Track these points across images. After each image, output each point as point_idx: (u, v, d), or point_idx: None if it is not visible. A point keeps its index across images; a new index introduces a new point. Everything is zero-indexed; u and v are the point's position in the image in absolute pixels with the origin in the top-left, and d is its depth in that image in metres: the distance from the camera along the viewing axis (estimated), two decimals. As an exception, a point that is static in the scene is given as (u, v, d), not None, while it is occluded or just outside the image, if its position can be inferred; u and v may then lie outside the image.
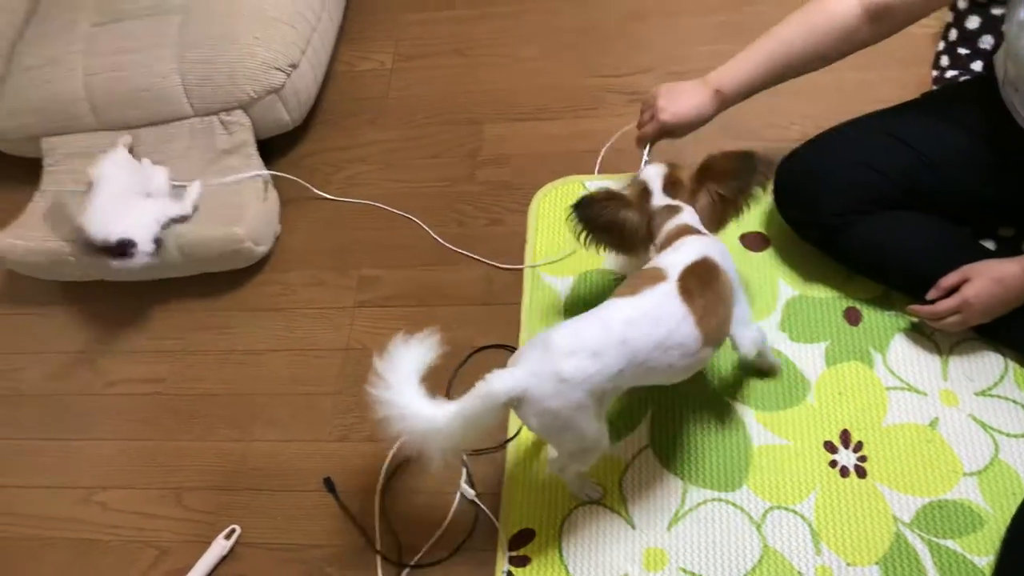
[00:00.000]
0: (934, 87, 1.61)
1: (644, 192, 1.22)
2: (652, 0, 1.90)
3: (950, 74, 1.60)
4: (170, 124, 1.73)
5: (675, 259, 1.11)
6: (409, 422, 1.00)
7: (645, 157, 1.40)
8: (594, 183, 1.66)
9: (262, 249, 1.66)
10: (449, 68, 1.91)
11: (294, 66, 1.71)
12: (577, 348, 1.02)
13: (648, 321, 1.05)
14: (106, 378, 1.66)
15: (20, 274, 1.75)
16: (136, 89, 1.71)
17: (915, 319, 1.36)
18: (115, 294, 1.73)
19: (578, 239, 1.24)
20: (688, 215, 1.19)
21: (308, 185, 1.77)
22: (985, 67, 1.52)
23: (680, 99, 1.34)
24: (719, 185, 1.19)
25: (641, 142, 1.40)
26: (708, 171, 1.20)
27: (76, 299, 1.77)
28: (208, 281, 1.70)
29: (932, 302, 1.28)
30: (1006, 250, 1.39)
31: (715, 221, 1.21)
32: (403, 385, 1.01)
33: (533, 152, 1.74)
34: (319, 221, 1.74)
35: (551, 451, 1.31)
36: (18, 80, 1.79)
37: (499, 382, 1.01)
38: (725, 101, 1.33)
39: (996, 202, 1.35)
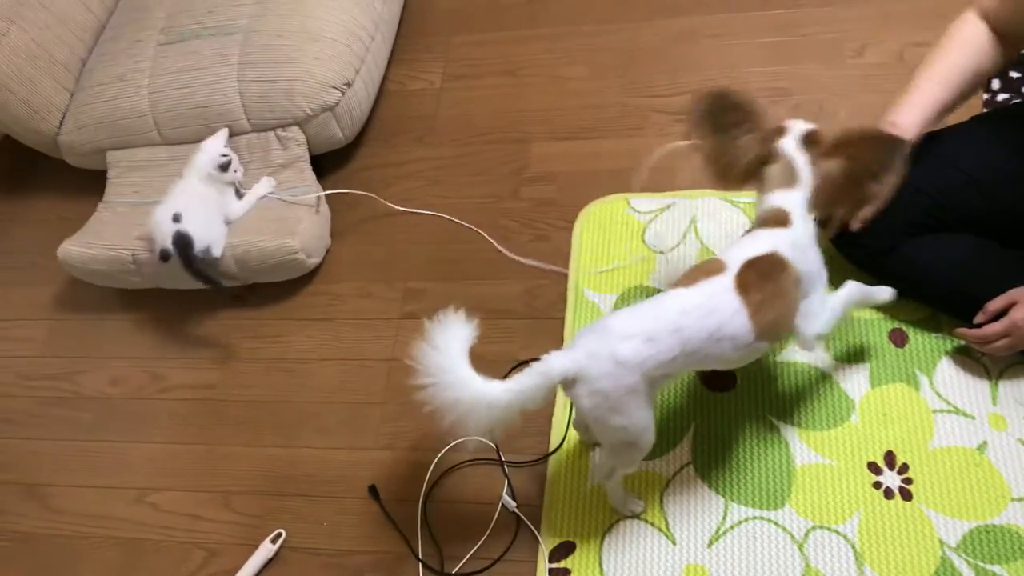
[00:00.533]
0: (984, 110, 1.60)
1: (779, 131, 1.17)
2: (700, 22, 1.93)
3: (1001, 97, 1.59)
4: (229, 139, 1.79)
5: (739, 253, 1.12)
6: (460, 392, 1.02)
7: None
8: (639, 201, 1.68)
9: (313, 261, 1.71)
10: (497, 88, 1.95)
11: (348, 85, 1.77)
12: (633, 333, 1.05)
13: (701, 312, 1.07)
14: (160, 383, 1.71)
15: (83, 282, 1.82)
16: (198, 106, 1.78)
17: (962, 342, 1.35)
18: (171, 303, 1.80)
19: (692, 124, 1.18)
20: (797, 197, 1.15)
21: (373, 196, 1.81)
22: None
23: None
24: (854, 161, 1.13)
25: None
26: (848, 143, 1.14)
27: (135, 307, 1.83)
28: (260, 290, 1.75)
29: (979, 325, 1.27)
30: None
31: (828, 199, 1.16)
32: (455, 355, 1.03)
33: (579, 170, 1.77)
34: (368, 234, 1.79)
35: (595, 459, 1.33)
36: (87, 96, 1.87)
37: (556, 361, 1.05)
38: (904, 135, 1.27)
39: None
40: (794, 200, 1.15)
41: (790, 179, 1.15)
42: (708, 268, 1.12)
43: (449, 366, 1.02)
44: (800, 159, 1.15)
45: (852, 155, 1.13)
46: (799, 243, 1.14)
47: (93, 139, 1.86)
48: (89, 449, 1.67)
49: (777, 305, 1.11)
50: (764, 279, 1.09)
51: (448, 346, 1.03)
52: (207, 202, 1.67)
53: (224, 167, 1.68)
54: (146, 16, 1.92)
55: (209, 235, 1.64)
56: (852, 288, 1.25)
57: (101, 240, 1.74)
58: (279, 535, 1.46)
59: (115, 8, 2.04)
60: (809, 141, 1.16)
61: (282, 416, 1.60)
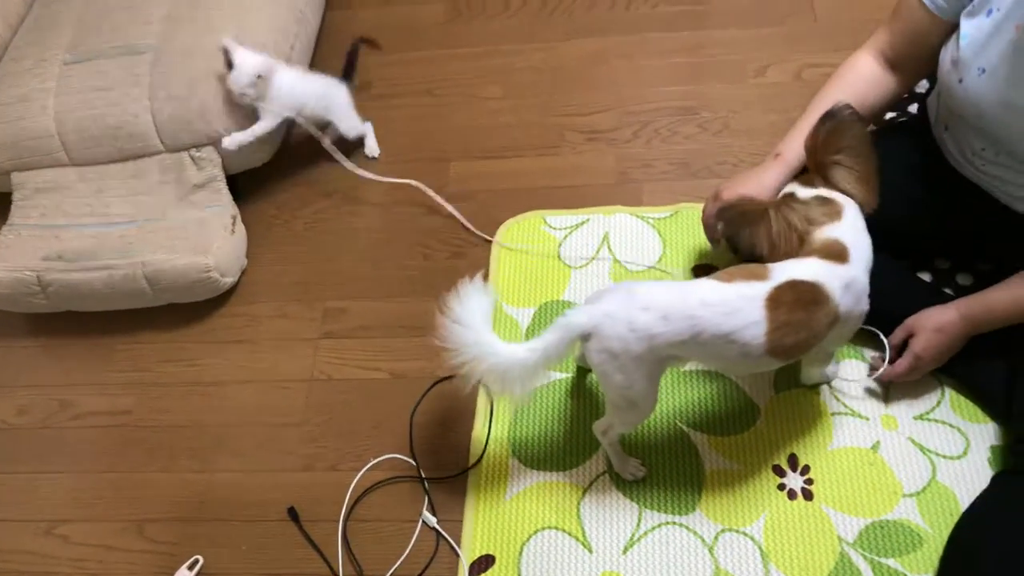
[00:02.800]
0: (873, 127, 1.69)
1: (789, 196, 1.22)
2: (612, 43, 1.99)
3: (888, 115, 1.69)
4: (140, 160, 1.76)
5: (788, 270, 1.12)
6: (493, 359, 1.11)
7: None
8: (554, 218, 1.72)
9: (228, 280, 1.69)
10: (416, 108, 1.97)
11: (263, 103, 1.76)
12: (652, 306, 1.09)
13: (721, 311, 1.09)
14: (70, 411, 1.67)
15: (-14, 308, 1.76)
16: (108, 126, 1.74)
17: (861, 350, 1.42)
18: (82, 327, 1.75)
19: (726, 247, 1.26)
20: (846, 221, 1.16)
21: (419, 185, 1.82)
22: (920, 109, 1.61)
23: (739, 178, 1.37)
24: (836, 154, 1.19)
25: (709, 230, 1.41)
26: (823, 151, 1.20)
27: (43, 332, 1.78)
28: (174, 313, 1.72)
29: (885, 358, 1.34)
30: (942, 281, 1.47)
31: (866, 190, 1.20)
32: (480, 328, 1.11)
33: (496, 188, 1.80)
34: (284, 255, 1.78)
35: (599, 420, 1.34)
36: (-11, 116, 1.81)
37: (577, 316, 1.12)
38: (788, 164, 1.33)
39: (931, 235, 1.43)
40: (848, 226, 1.16)
41: (833, 212, 1.18)
42: (751, 272, 1.13)
43: (476, 339, 1.11)
44: (823, 191, 1.19)
45: (844, 151, 1.19)
46: (853, 285, 1.14)
47: (-5, 161, 1.80)
48: (-6, 482, 1.61)
49: (800, 333, 1.11)
50: (798, 304, 1.10)
51: (471, 320, 1.11)
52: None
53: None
54: (50, 35, 1.87)
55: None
56: None
57: (4, 262, 1.68)
58: (196, 561, 1.44)
59: (18, 28, 1.98)
60: (808, 181, 1.22)
61: (198, 440, 1.58)
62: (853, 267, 1.14)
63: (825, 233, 1.16)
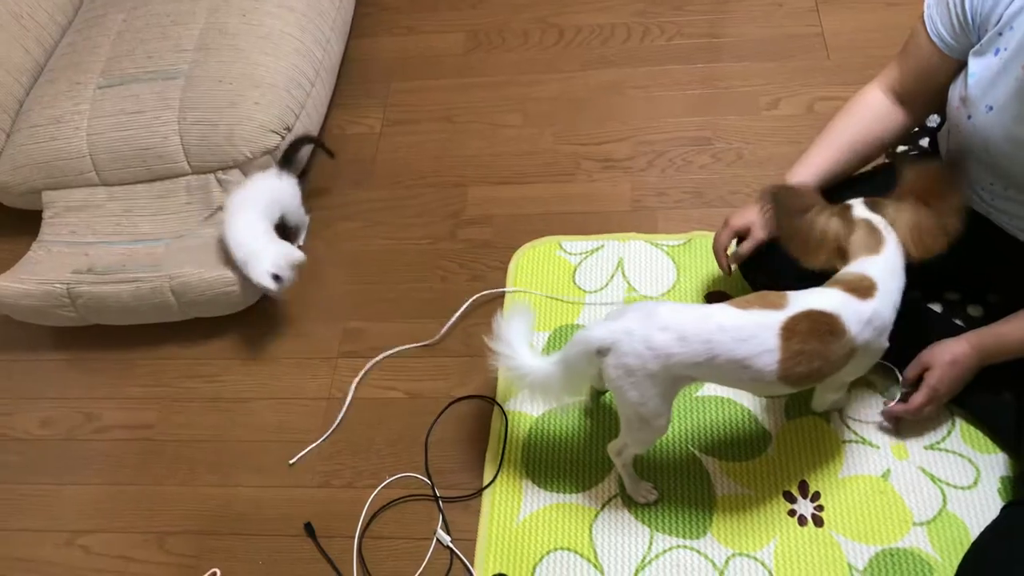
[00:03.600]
0: (887, 161, 1.73)
1: (846, 207, 1.21)
2: (627, 74, 2.04)
3: (900, 149, 1.72)
4: (168, 181, 1.82)
5: (806, 300, 1.13)
6: (526, 376, 1.24)
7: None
8: (571, 243, 1.75)
9: (251, 297, 1.73)
10: (435, 133, 2.02)
11: (288, 129, 1.81)
12: (671, 326, 1.12)
13: (737, 336, 1.11)
14: (94, 423, 1.70)
15: (15, 321, 1.80)
16: (137, 148, 1.80)
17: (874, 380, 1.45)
18: (108, 341, 1.79)
19: (772, 221, 1.23)
20: (883, 261, 1.15)
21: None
22: (931, 143, 1.64)
23: (750, 207, 1.42)
24: (926, 197, 1.16)
25: (721, 256, 1.45)
26: (911, 188, 1.18)
27: (68, 346, 1.82)
28: (197, 330, 1.76)
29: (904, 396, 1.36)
30: (953, 312, 1.49)
31: (921, 244, 1.17)
32: (519, 345, 1.25)
33: (513, 213, 1.84)
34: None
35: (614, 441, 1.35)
36: (23, 136, 1.87)
37: (597, 330, 1.16)
38: None
39: (942, 267, 1.45)
40: (880, 266, 1.15)
41: (874, 244, 1.16)
42: (769, 300, 1.15)
43: (512, 353, 1.25)
44: (878, 220, 1.18)
45: (921, 195, 1.16)
46: (874, 320, 1.14)
47: (28, 179, 1.85)
48: (17, 492, 1.64)
49: (813, 362, 1.12)
50: (812, 334, 1.11)
51: (511, 338, 1.25)
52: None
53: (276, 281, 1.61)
54: (86, 59, 1.94)
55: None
56: None
57: (34, 275, 1.73)
58: (214, 575, 1.46)
59: (54, 50, 2.05)
60: (874, 205, 1.19)
61: (218, 455, 1.61)
62: (877, 303, 1.13)
63: (858, 266, 1.16)
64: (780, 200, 1.21)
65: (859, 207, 1.20)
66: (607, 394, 1.51)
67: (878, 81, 1.39)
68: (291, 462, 1.56)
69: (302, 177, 1.90)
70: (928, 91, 1.34)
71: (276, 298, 1.71)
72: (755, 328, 1.12)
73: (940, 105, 1.34)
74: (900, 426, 1.42)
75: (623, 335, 1.13)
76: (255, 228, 1.66)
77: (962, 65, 1.25)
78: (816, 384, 1.25)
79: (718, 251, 1.45)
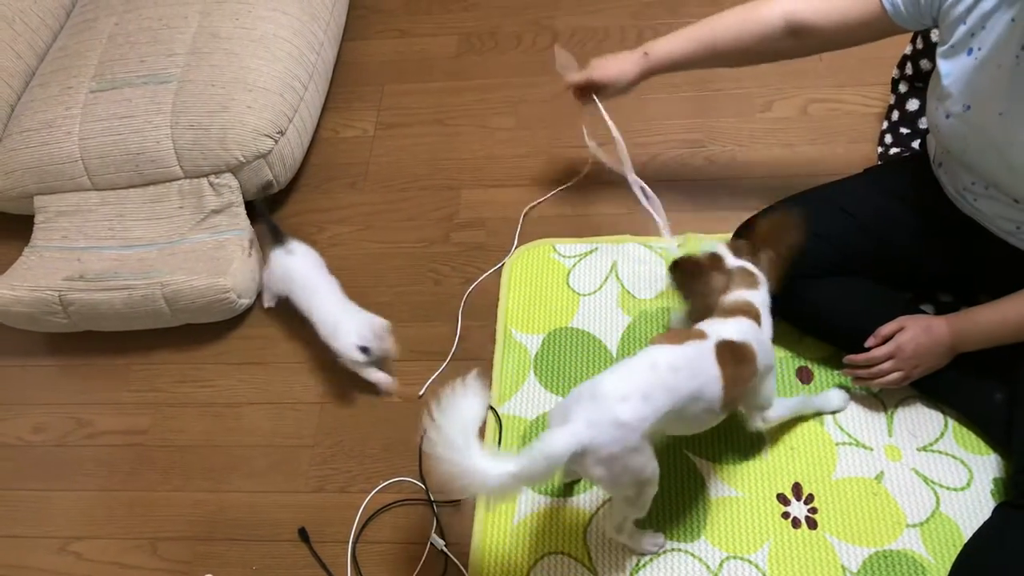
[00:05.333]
0: (878, 162, 1.73)
1: (717, 259, 1.30)
2: (620, 77, 2.03)
3: (893, 151, 1.72)
4: (160, 185, 1.81)
5: (720, 329, 1.19)
6: (466, 478, 1.00)
7: (587, 139, 1.60)
8: (564, 246, 1.75)
9: (244, 302, 1.73)
10: (428, 136, 2.02)
11: (281, 133, 1.81)
12: (628, 393, 1.07)
13: (689, 371, 1.13)
14: (86, 429, 1.70)
15: (6, 327, 1.79)
16: (130, 152, 1.79)
17: (858, 385, 1.45)
18: (99, 347, 1.79)
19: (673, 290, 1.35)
20: (760, 293, 1.27)
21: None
22: (922, 145, 1.65)
23: (609, 61, 1.52)
24: (772, 246, 1.30)
25: (579, 94, 1.58)
26: (765, 237, 1.32)
27: (60, 351, 1.82)
28: (190, 334, 1.76)
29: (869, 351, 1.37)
30: (944, 314, 1.49)
31: (775, 278, 1.31)
32: (459, 439, 1.00)
33: (506, 216, 1.84)
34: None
35: (605, 516, 1.34)
36: (15, 141, 1.87)
37: (558, 440, 1.04)
38: (651, 66, 1.50)
39: (933, 269, 1.45)
40: (761, 298, 1.26)
41: (751, 282, 1.27)
42: (691, 334, 1.19)
43: (455, 456, 0.99)
44: (749, 266, 1.28)
45: (774, 243, 1.30)
46: (764, 341, 1.23)
47: (20, 184, 1.85)
48: (9, 498, 1.64)
49: (740, 385, 1.19)
50: (736, 360, 1.17)
51: (453, 433, 1.00)
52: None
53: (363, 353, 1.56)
54: (77, 63, 1.93)
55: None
56: (806, 399, 1.44)
57: (26, 282, 1.72)
58: (207, 581, 1.46)
59: (45, 55, 2.04)
60: (737, 251, 1.30)
61: (211, 460, 1.60)
62: (766, 330, 1.25)
63: (744, 296, 1.25)
64: (680, 274, 1.30)
65: (728, 257, 1.29)
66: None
67: (784, 1, 1.37)
68: (284, 467, 1.56)
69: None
70: (834, 37, 1.36)
71: (364, 373, 1.59)
72: (698, 360, 1.14)
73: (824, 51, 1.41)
74: (891, 421, 1.43)
75: (590, 430, 1.04)
76: (333, 300, 1.63)
77: (888, 35, 1.30)
78: (738, 407, 1.29)
79: (575, 90, 1.57)
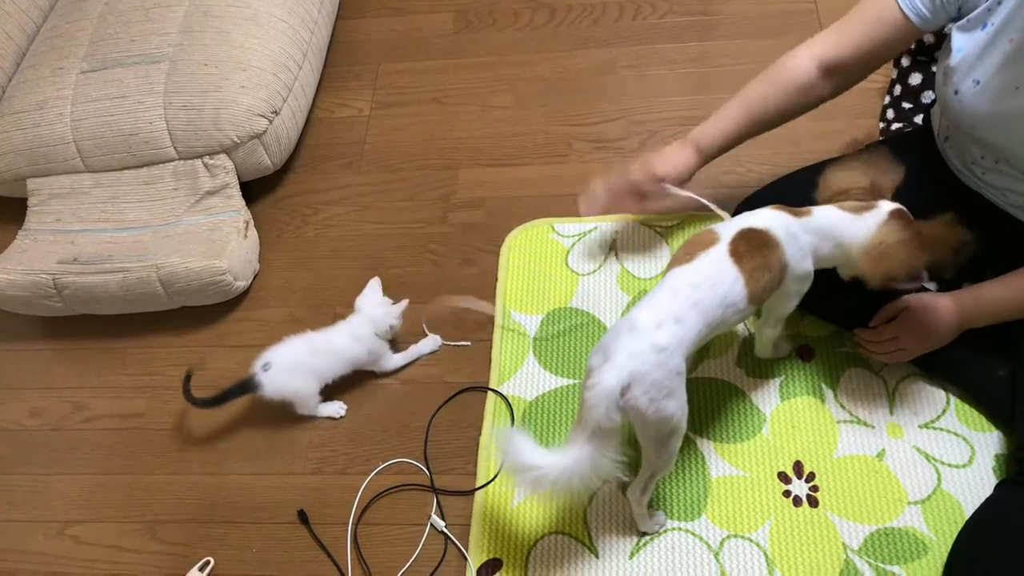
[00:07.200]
0: (880, 138, 1.71)
1: (879, 189, 1.25)
2: (619, 53, 2.01)
3: (895, 126, 1.70)
4: (154, 166, 1.79)
5: (734, 224, 1.19)
6: (550, 477, 1.07)
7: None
8: (563, 226, 1.74)
9: (241, 284, 1.72)
10: (425, 115, 1.99)
11: (276, 113, 1.79)
12: (662, 319, 1.10)
13: (709, 284, 1.13)
14: (83, 413, 1.69)
15: (1, 310, 1.78)
16: (123, 133, 1.77)
17: (862, 356, 1.44)
18: (96, 330, 1.77)
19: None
20: (839, 215, 1.20)
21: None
22: (925, 119, 1.63)
23: (667, 156, 1.46)
24: (925, 250, 1.18)
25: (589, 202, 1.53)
26: (928, 237, 1.18)
27: (56, 335, 1.80)
28: (186, 317, 1.74)
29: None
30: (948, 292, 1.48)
31: (882, 266, 1.18)
32: (525, 449, 1.09)
33: (504, 196, 1.82)
34: (296, 260, 1.80)
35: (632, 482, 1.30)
36: (6, 123, 1.84)
37: (604, 380, 1.07)
38: (706, 155, 1.45)
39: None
40: (832, 215, 1.20)
41: (858, 209, 1.21)
42: (703, 240, 1.19)
43: (531, 465, 1.08)
44: (891, 207, 1.20)
45: (926, 243, 1.17)
46: (799, 237, 1.19)
47: (12, 166, 1.83)
48: (6, 483, 1.63)
49: (765, 275, 1.17)
50: (753, 251, 1.16)
51: (522, 452, 1.09)
52: (329, 363, 1.54)
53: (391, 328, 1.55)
54: (68, 44, 1.91)
55: (286, 389, 1.53)
56: None
57: (20, 266, 1.71)
58: (207, 563, 1.45)
59: (36, 35, 2.02)
60: (900, 216, 1.20)
61: (210, 443, 1.59)
62: (802, 225, 1.19)
63: (845, 215, 1.20)
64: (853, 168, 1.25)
65: (886, 203, 1.21)
66: None
67: (808, 48, 1.36)
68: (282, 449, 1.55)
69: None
70: (870, 64, 1.34)
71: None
72: (714, 268, 1.15)
73: (861, 79, 1.36)
74: (893, 398, 1.42)
75: (632, 361, 1.07)
76: (339, 326, 1.57)
77: (914, 40, 1.27)
78: (768, 297, 1.24)
79: (619, 192, 1.49)
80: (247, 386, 1.50)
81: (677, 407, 1.13)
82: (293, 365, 1.51)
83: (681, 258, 1.19)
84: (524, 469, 1.08)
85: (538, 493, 1.10)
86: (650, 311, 1.12)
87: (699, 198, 1.47)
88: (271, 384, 1.49)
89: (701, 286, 1.13)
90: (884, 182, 1.24)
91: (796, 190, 1.44)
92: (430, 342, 1.63)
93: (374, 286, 1.61)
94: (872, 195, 1.23)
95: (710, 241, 1.18)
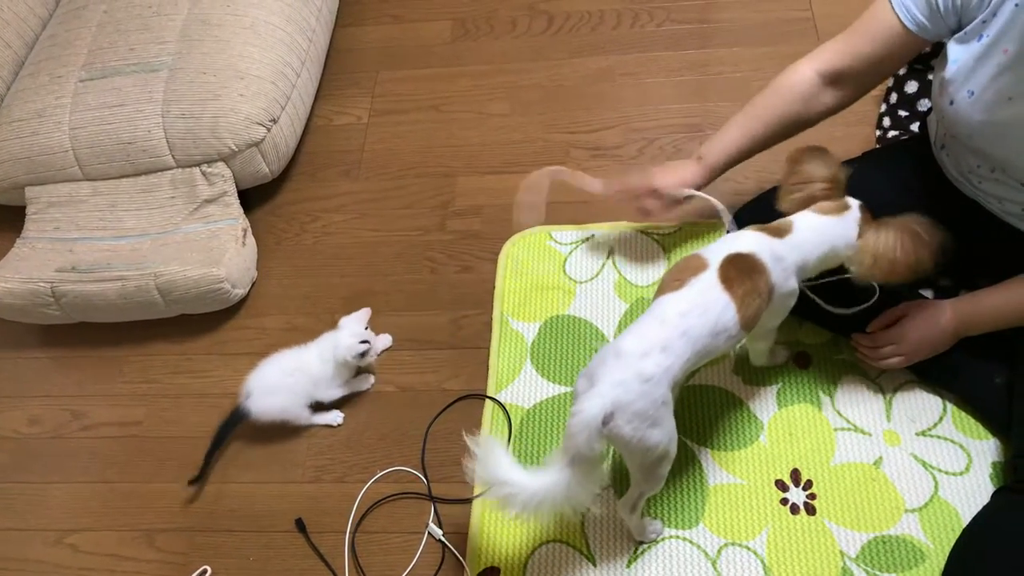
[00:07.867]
0: (877, 145, 1.72)
1: (839, 186, 1.24)
2: (616, 61, 2.02)
3: (891, 134, 1.71)
4: (152, 175, 1.79)
5: (720, 249, 1.18)
6: (520, 497, 1.06)
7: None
8: (561, 233, 1.74)
9: (239, 292, 1.72)
10: (423, 123, 2.00)
11: (274, 121, 1.79)
12: (648, 348, 1.08)
13: (698, 310, 1.12)
14: (81, 421, 1.69)
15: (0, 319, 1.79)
16: (121, 142, 1.77)
17: (858, 363, 1.44)
18: (94, 338, 1.78)
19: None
20: (818, 220, 1.20)
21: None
22: (921, 127, 1.63)
23: (659, 171, 1.48)
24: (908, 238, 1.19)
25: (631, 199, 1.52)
26: (904, 230, 1.19)
27: (55, 343, 1.80)
28: (184, 325, 1.75)
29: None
30: (944, 298, 1.48)
31: (885, 266, 1.18)
32: (502, 462, 1.07)
33: (502, 203, 1.82)
34: (294, 268, 1.81)
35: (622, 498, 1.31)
36: (5, 132, 1.85)
37: (591, 405, 1.05)
38: (711, 169, 1.45)
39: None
40: (812, 222, 1.20)
41: (834, 209, 1.21)
42: (691, 265, 1.18)
43: (507, 481, 1.07)
44: (858, 204, 1.22)
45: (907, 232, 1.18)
46: (783, 259, 1.18)
47: (10, 175, 1.83)
48: (4, 491, 1.63)
49: (755, 299, 1.16)
50: (743, 276, 1.15)
51: (495, 463, 1.08)
52: (301, 382, 1.55)
53: (363, 355, 1.53)
54: (66, 52, 1.91)
55: (272, 410, 1.54)
56: None
57: (18, 274, 1.71)
58: (205, 572, 1.45)
59: (34, 44, 2.02)
60: (866, 210, 1.22)
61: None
62: (785, 245, 1.19)
63: (798, 216, 1.22)
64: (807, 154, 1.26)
65: (855, 204, 1.22)
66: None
67: (810, 60, 1.37)
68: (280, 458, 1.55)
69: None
70: (872, 74, 1.33)
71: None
72: (704, 296, 1.14)
73: (868, 91, 1.36)
74: (890, 405, 1.42)
75: (617, 390, 1.06)
76: (310, 346, 1.58)
77: (920, 50, 1.26)
78: (758, 321, 1.23)
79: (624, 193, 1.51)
80: (237, 416, 1.52)
81: (663, 436, 1.12)
82: (271, 387, 1.53)
83: (670, 284, 1.18)
84: (497, 482, 1.07)
85: (508, 513, 1.07)
86: (636, 339, 1.11)
87: (712, 200, 1.46)
88: (257, 409, 1.51)
89: (690, 314, 1.12)
90: (840, 173, 1.24)
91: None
92: (377, 349, 1.61)
93: (361, 316, 1.61)
94: (835, 186, 1.23)
95: (698, 267, 1.17)
